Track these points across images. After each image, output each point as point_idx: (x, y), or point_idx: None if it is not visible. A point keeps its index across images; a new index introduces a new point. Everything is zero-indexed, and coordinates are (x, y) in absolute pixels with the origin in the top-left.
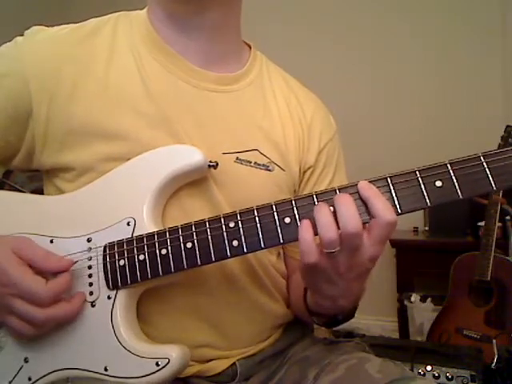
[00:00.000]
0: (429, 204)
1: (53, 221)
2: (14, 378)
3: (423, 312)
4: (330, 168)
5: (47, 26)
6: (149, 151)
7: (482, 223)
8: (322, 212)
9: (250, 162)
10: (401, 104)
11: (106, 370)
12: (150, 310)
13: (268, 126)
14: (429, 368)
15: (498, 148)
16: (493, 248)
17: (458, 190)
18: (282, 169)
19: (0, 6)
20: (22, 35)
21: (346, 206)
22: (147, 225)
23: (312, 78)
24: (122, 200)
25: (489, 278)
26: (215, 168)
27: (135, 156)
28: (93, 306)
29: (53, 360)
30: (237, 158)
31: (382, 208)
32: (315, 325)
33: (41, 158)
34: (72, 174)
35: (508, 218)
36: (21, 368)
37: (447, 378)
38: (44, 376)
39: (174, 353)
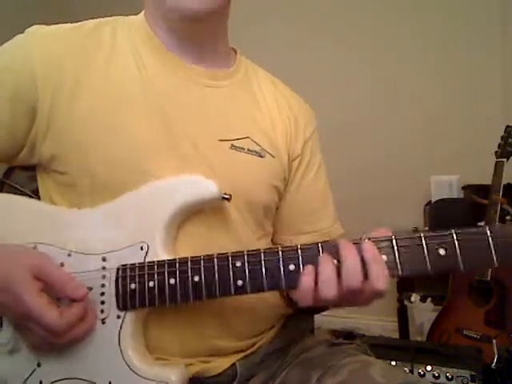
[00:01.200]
0: (430, 272)
1: (70, 235)
2: (27, 379)
3: (423, 312)
4: (315, 158)
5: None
6: (166, 179)
7: (482, 223)
8: (326, 267)
9: (244, 149)
10: (401, 104)
11: None
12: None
13: (258, 117)
14: (429, 368)
15: (498, 147)
16: None
17: (460, 262)
18: (272, 156)
19: (0, 6)
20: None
21: (352, 260)
22: (159, 251)
23: (312, 77)
24: (138, 224)
25: (489, 278)
26: (229, 201)
27: (132, 148)
28: (103, 323)
29: (63, 368)
30: (232, 145)
31: (376, 276)
32: (316, 326)
33: (41, 148)
34: (69, 166)
35: (508, 217)
36: (33, 371)
37: (447, 378)
38: (54, 382)
39: (173, 376)
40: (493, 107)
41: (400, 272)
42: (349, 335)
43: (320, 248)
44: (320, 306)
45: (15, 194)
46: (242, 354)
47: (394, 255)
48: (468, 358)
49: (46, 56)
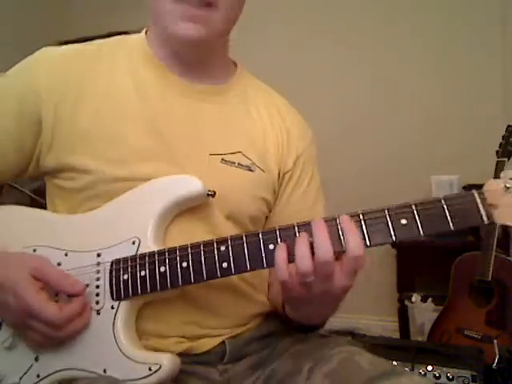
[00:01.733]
0: (394, 240)
1: (66, 237)
2: (24, 374)
3: (424, 312)
4: (307, 172)
5: (47, 28)
6: (154, 180)
7: None
8: (301, 243)
9: (234, 163)
10: (401, 104)
11: (104, 371)
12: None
13: (251, 132)
14: (429, 368)
15: (499, 147)
16: (494, 248)
17: (420, 228)
18: (262, 170)
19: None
20: (23, 38)
21: (320, 234)
22: (150, 244)
23: (312, 78)
24: (129, 221)
25: (490, 278)
26: (213, 196)
27: (128, 158)
28: (98, 313)
29: (60, 360)
30: (222, 159)
31: (353, 244)
32: None
33: (45, 159)
34: (72, 173)
35: None
36: (31, 366)
37: (448, 378)
38: (51, 374)
39: (165, 360)
40: (493, 107)
41: (368, 242)
42: (349, 335)
43: (296, 228)
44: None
45: (15, 193)
46: (230, 333)
47: (362, 228)
48: (469, 358)
49: (52, 76)
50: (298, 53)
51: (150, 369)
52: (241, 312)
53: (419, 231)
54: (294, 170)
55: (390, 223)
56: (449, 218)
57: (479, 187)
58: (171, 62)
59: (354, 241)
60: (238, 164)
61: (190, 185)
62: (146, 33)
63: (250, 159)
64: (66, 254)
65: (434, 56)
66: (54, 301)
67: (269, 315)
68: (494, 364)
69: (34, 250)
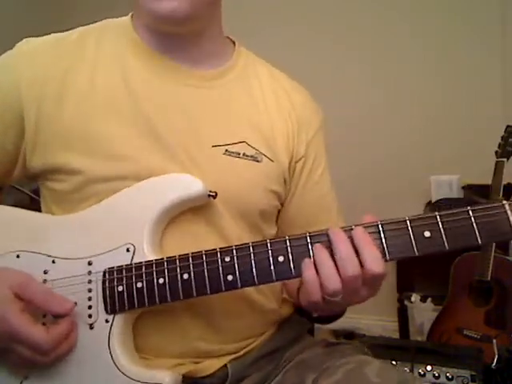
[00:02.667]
0: (417, 254)
1: (55, 241)
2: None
3: (423, 312)
4: (321, 158)
5: (47, 27)
6: (150, 178)
7: None
8: (326, 260)
9: (239, 154)
10: (401, 104)
11: None
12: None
13: (255, 118)
14: (429, 368)
15: (499, 147)
16: (493, 248)
17: (445, 242)
18: (270, 159)
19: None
20: (23, 37)
21: (344, 248)
22: (146, 252)
23: (312, 77)
24: (123, 225)
25: (489, 278)
26: (214, 198)
27: (120, 156)
28: (91, 328)
29: (52, 379)
30: (226, 151)
31: (371, 260)
32: (316, 326)
33: (31, 161)
34: (61, 175)
35: None
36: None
37: (447, 378)
38: None
39: (166, 378)
40: (493, 107)
41: (388, 256)
42: (349, 335)
43: (308, 238)
44: (332, 313)
45: (15, 193)
46: (232, 356)
47: (381, 240)
48: (468, 358)
49: (32, 69)
50: (297, 53)
51: None
52: (247, 325)
53: (444, 245)
54: (306, 157)
55: (412, 235)
56: (477, 232)
57: (479, 187)
58: (161, 46)
59: (372, 257)
60: (243, 155)
61: (189, 185)
62: (131, 17)
63: (255, 148)
64: (53, 261)
65: (433, 56)
66: (41, 322)
67: (281, 326)
68: (493, 364)
69: (18, 256)
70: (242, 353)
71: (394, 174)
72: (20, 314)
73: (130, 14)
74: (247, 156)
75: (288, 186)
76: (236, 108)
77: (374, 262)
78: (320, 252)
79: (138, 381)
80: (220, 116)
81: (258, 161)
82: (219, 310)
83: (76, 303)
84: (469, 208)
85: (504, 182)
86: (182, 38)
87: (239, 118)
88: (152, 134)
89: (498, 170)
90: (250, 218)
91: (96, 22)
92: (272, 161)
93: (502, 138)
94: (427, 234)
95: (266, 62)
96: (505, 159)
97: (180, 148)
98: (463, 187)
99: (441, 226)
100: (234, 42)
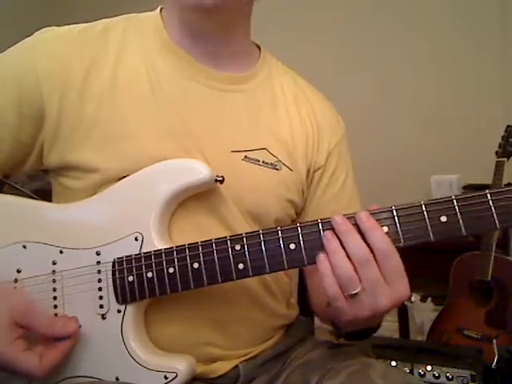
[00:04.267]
0: (432, 239)
1: (62, 230)
2: (30, 382)
3: (423, 312)
4: (342, 169)
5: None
6: (156, 164)
7: None
8: (336, 251)
9: (259, 161)
10: (400, 104)
11: (117, 379)
12: (155, 308)
13: (277, 126)
14: (429, 368)
15: (499, 147)
16: (493, 248)
17: (462, 227)
18: (289, 168)
19: (0, 7)
20: (28, 35)
21: (352, 235)
22: (155, 240)
23: (312, 77)
24: (130, 214)
25: (489, 278)
26: (221, 182)
27: (139, 156)
28: (103, 318)
29: (66, 368)
30: (245, 157)
31: (378, 240)
32: (316, 326)
33: (48, 156)
34: (78, 172)
35: None
36: None
37: (447, 377)
38: (57, 382)
39: (181, 366)
40: (493, 107)
41: (402, 241)
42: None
43: (320, 225)
44: (363, 327)
45: (15, 193)
46: (243, 358)
47: (396, 225)
48: (468, 358)
49: (51, 60)
50: (297, 53)
51: (165, 377)
52: (258, 331)
53: (461, 230)
54: (325, 168)
55: (427, 220)
56: (495, 216)
57: (479, 187)
58: (190, 45)
59: (377, 237)
60: (263, 162)
61: (195, 171)
62: (160, 12)
63: (275, 156)
64: (61, 252)
65: (434, 56)
66: (34, 348)
67: (289, 329)
68: (494, 364)
69: (24, 247)
70: (252, 355)
71: (394, 173)
72: (12, 343)
73: (160, 8)
74: (266, 163)
75: (305, 196)
76: (258, 114)
77: (380, 240)
78: (330, 242)
79: (153, 369)
80: (241, 121)
81: (277, 169)
82: (230, 316)
83: (80, 326)
84: (487, 191)
85: (504, 182)
86: (210, 34)
87: (261, 124)
88: (172, 135)
89: (498, 169)
90: (265, 225)
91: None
92: (291, 170)
93: (502, 137)
94: (443, 218)
95: (289, 69)
96: (505, 159)
97: (199, 150)
98: (463, 187)
99: (457, 210)
100: (259, 47)
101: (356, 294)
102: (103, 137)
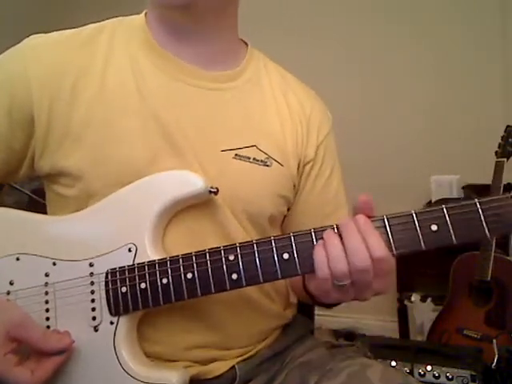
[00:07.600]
0: (424, 248)
1: (55, 242)
2: None
3: (423, 312)
4: (329, 161)
5: (49, 27)
6: (150, 175)
7: None
8: (333, 244)
9: (249, 158)
10: (400, 104)
11: None
12: (150, 311)
13: (266, 122)
14: (429, 368)
15: (499, 147)
16: (493, 248)
17: (453, 236)
18: (280, 164)
19: (1, 7)
20: (28, 36)
21: (354, 238)
22: (148, 251)
23: (311, 77)
24: (123, 225)
25: (489, 278)
26: (216, 194)
27: (129, 161)
28: (96, 330)
29: (57, 380)
30: (235, 155)
31: (372, 244)
32: (316, 326)
33: (39, 162)
34: (69, 179)
35: None
36: None
37: (447, 377)
38: None
39: (173, 378)
40: (493, 107)
41: (394, 251)
42: (349, 335)
43: (313, 234)
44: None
45: (15, 193)
46: (240, 358)
47: (387, 235)
48: (468, 358)
49: (42, 65)
50: (296, 53)
51: None
52: (254, 331)
53: (452, 239)
54: (315, 160)
55: (418, 229)
56: (485, 225)
57: (479, 187)
58: (175, 46)
59: (374, 242)
60: (253, 159)
61: (190, 183)
62: (146, 15)
63: (265, 153)
64: (54, 264)
65: (434, 56)
66: (25, 361)
67: (286, 329)
68: (494, 364)
69: (17, 259)
70: (249, 355)
71: (394, 173)
72: (4, 357)
73: (144, 12)
74: (257, 160)
75: (296, 190)
76: (247, 111)
77: (377, 245)
78: (330, 236)
79: (145, 382)
80: (230, 119)
81: (267, 165)
82: (226, 318)
83: (73, 341)
84: (476, 200)
85: (504, 182)
86: (192, 33)
87: (250, 121)
88: (162, 138)
89: (498, 169)
90: (259, 223)
91: (97, 21)
92: (282, 165)
93: (502, 137)
94: (434, 227)
95: (277, 65)
96: (505, 159)
97: (189, 151)
98: (463, 187)
99: (448, 219)
100: (246, 44)
101: (344, 285)
102: (93, 142)
